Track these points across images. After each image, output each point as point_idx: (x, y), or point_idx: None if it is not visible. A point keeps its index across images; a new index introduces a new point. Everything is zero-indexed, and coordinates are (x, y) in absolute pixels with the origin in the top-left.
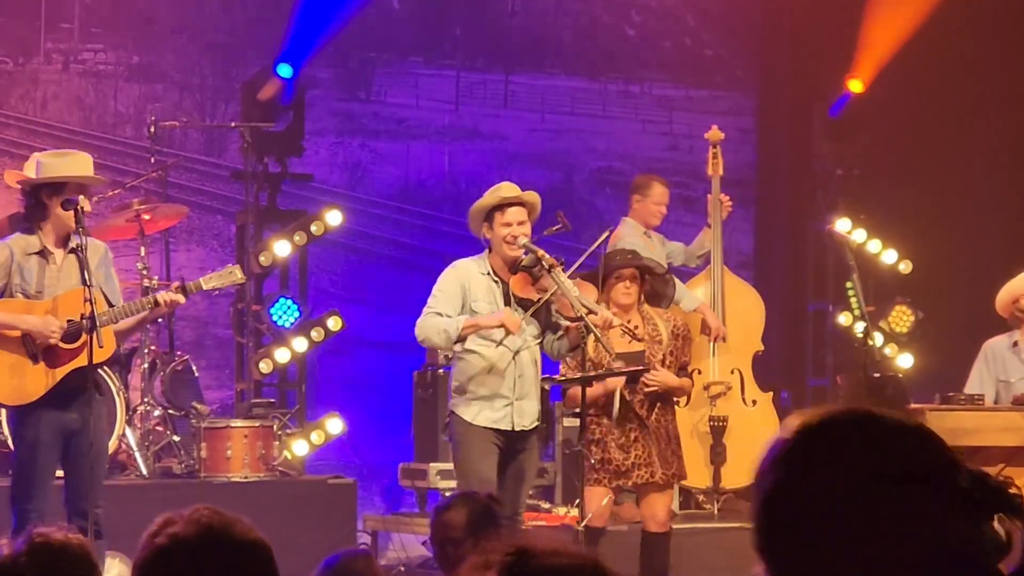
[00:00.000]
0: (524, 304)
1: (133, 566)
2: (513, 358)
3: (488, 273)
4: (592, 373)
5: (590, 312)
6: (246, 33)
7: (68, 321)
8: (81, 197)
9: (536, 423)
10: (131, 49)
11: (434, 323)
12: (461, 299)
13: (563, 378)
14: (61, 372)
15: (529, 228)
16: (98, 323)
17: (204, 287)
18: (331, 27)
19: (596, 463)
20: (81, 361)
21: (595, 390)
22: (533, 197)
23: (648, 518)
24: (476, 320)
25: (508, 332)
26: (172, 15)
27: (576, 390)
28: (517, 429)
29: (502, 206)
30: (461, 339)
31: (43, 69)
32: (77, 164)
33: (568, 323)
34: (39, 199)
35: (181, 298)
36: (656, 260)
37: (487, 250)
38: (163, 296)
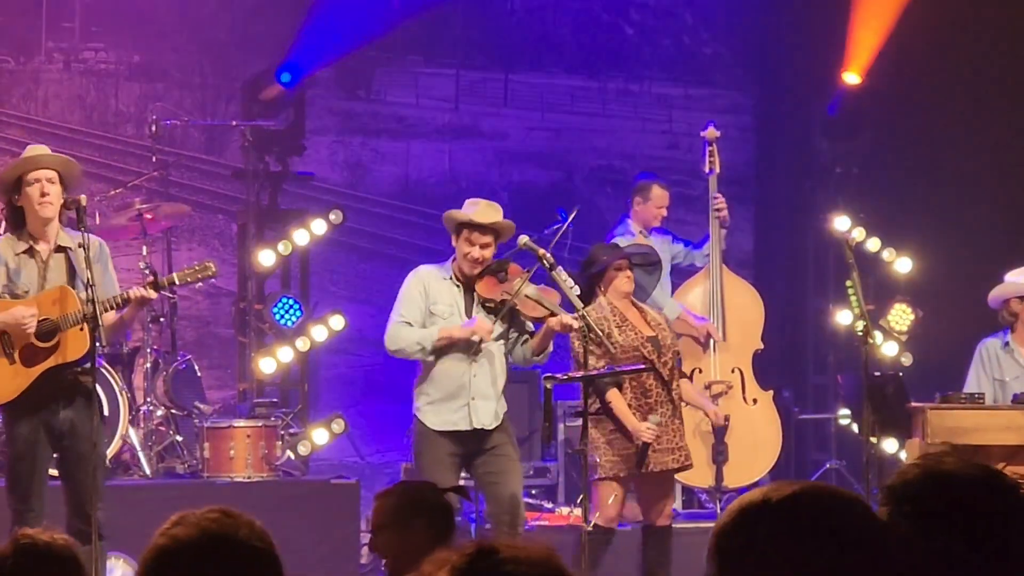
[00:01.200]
0: (487, 306)
1: (139, 563)
2: (469, 359)
3: (449, 278)
4: (593, 372)
5: (551, 314)
6: (246, 32)
7: (41, 320)
8: (83, 196)
9: (497, 423)
10: (132, 48)
11: (407, 335)
12: (423, 302)
13: (565, 377)
14: (36, 371)
15: (492, 252)
16: (71, 321)
17: (177, 282)
18: (337, 44)
19: (610, 459)
20: (56, 360)
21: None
22: (505, 226)
23: (658, 511)
24: (450, 332)
25: (481, 340)
26: (172, 14)
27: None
28: (476, 427)
29: (472, 226)
30: (435, 350)
31: (44, 68)
32: (24, 154)
33: (531, 324)
34: (10, 202)
35: (152, 293)
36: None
37: (452, 259)
38: (134, 292)
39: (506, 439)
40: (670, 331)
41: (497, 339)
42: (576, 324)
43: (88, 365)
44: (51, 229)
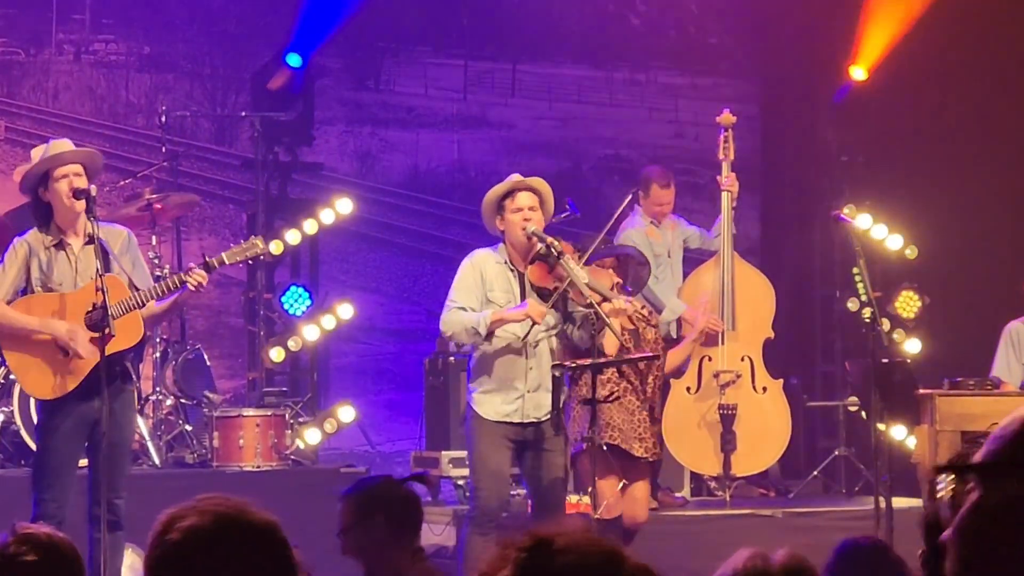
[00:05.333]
0: (541, 293)
1: (144, 565)
2: (526, 350)
3: (505, 262)
4: (602, 360)
5: (604, 299)
6: (255, 23)
7: (90, 311)
8: (93, 186)
9: (550, 413)
10: (142, 39)
11: (460, 319)
12: (480, 289)
13: (574, 365)
14: (90, 363)
15: (540, 215)
16: (122, 310)
17: (227, 261)
18: (340, 16)
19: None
20: (109, 349)
21: (677, 357)
22: (542, 185)
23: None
24: (502, 314)
25: (534, 322)
26: (182, 5)
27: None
28: (528, 421)
29: (512, 192)
30: (490, 334)
31: (55, 60)
32: (50, 150)
33: (583, 311)
34: (37, 196)
35: (204, 276)
36: (634, 246)
37: (502, 242)
38: (191, 278)
39: (554, 433)
40: (652, 327)
41: (553, 327)
42: (629, 308)
43: (131, 353)
44: (80, 222)
